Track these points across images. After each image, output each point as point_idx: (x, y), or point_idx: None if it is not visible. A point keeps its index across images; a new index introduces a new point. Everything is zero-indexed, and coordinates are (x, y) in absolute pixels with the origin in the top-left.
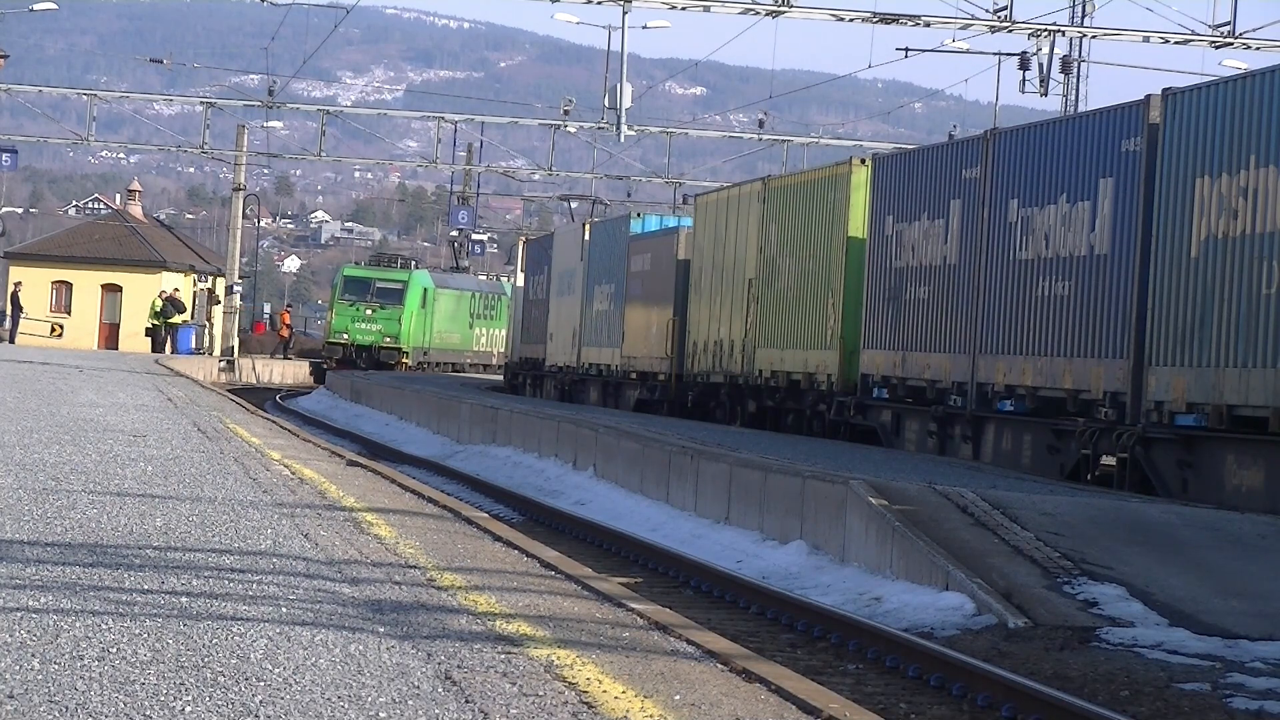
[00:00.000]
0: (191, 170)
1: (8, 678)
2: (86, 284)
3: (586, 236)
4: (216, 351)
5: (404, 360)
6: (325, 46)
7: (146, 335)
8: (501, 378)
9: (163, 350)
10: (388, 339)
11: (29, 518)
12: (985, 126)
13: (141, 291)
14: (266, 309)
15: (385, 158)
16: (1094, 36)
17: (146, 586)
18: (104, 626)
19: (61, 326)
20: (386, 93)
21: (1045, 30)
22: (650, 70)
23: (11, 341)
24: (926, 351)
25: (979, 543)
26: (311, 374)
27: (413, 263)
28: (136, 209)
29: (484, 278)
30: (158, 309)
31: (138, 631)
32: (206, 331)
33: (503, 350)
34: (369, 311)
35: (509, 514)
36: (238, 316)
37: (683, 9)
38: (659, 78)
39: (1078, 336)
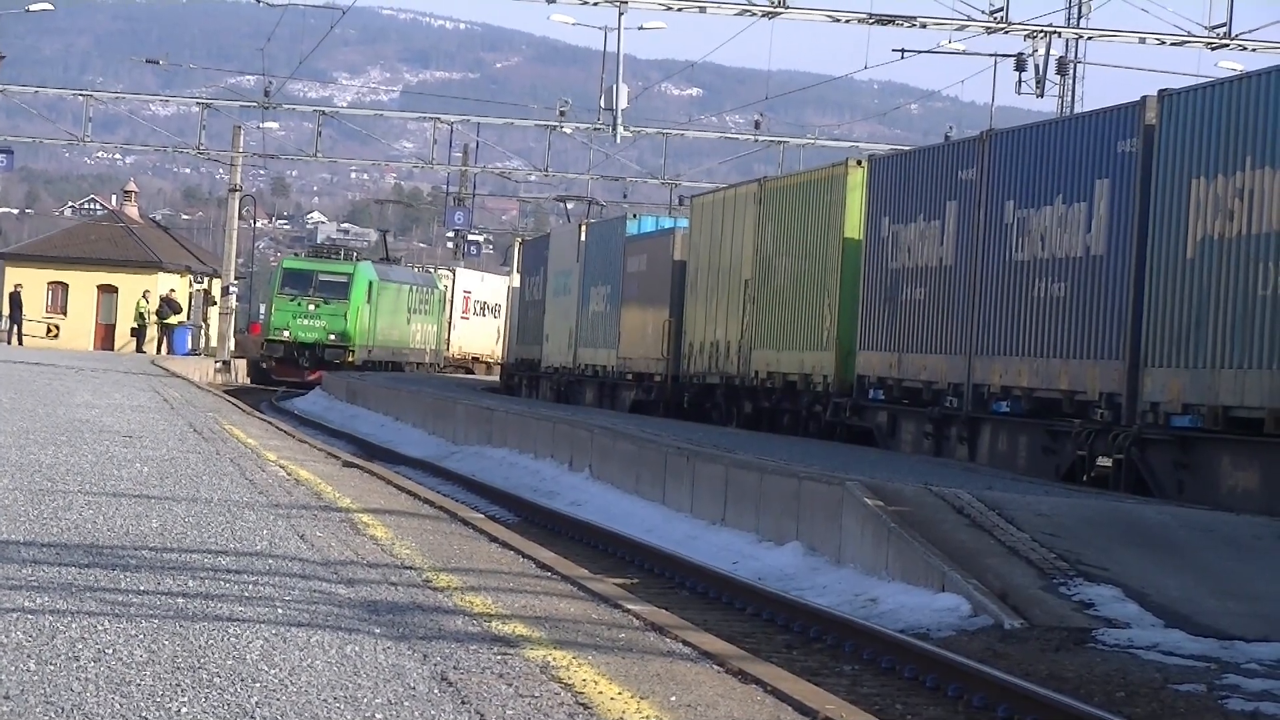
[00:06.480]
0: (187, 171)
1: (4, 679)
2: (82, 285)
3: (583, 237)
4: (224, 353)
5: (350, 359)
6: (321, 47)
7: (132, 335)
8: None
9: (147, 350)
10: (332, 336)
11: (25, 519)
12: (981, 128)
13: (138, 292)
14: (263, 310)
15: (381, 159)
16: (1090, 38)
17: (143, 587)
18: (100, 627)
19: (57, 327)
20: (383, 93)
21: (1041, 31)
22: (646, 71)
23: (9, 343)
24: (922, 353)
25: (975, 544)
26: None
27: (354, 254)
28: (132, 210)
29: (416, 270)
30: (143, 309)
31: (134, 632)
32: (203, 332)
33: (434, 348)
34: (311, 307)
35: (505, 515)
36: (234, 317)
37: (678, 10)
38: (655, 79)
39: (1074, 338)
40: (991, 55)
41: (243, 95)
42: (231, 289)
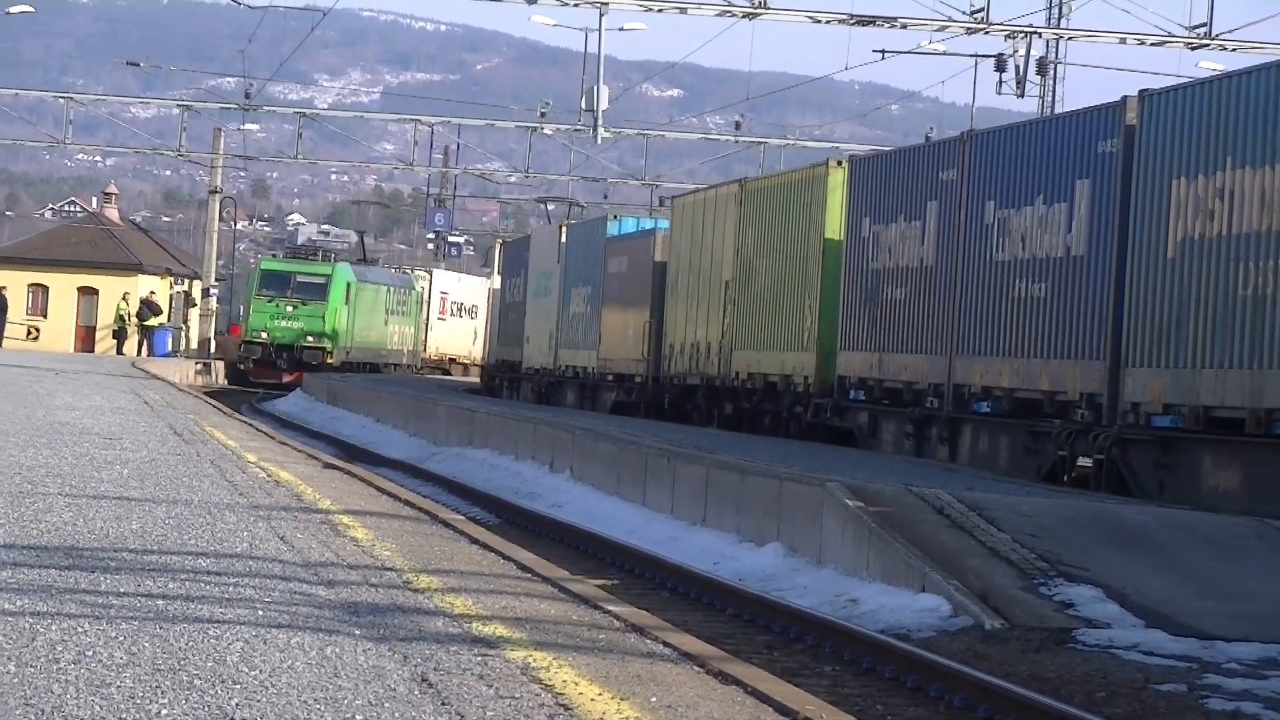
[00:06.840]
0: (168, 173)
1: None
2: (63, 287)
3: (563, 238)
4: (204, 354)
5: (328, 361)
6: (302, 49)
7: (114, 338)
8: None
9: (127, 352)
10: (310, 337)
11: (4, 521)
12: (962, 128)
13: (118, 295)
14: (243, 311)
15: (362, 160)
16: (1070, 38)
17: (123, 589)
18: (80, 629)
19: (38, 329)
20: (363, 95)
21: (1022, 32)
22: (627, 72)
23: None
24: (903, 353)
25: (956, 544)
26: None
27: (332, 255)
28: (113, 212)
29: (394, 271)
30: (123, 311)
31: (114, 634)
32: (183, 334)
33: (412, 349)
34: (289, 308)
35: (486, 516)
36: (214, 319)
37: (659, 11)
38: (635, 80)
39: (1054, 338)
40: (972, 56)
41: (223, 97)
42: (212, 291)
